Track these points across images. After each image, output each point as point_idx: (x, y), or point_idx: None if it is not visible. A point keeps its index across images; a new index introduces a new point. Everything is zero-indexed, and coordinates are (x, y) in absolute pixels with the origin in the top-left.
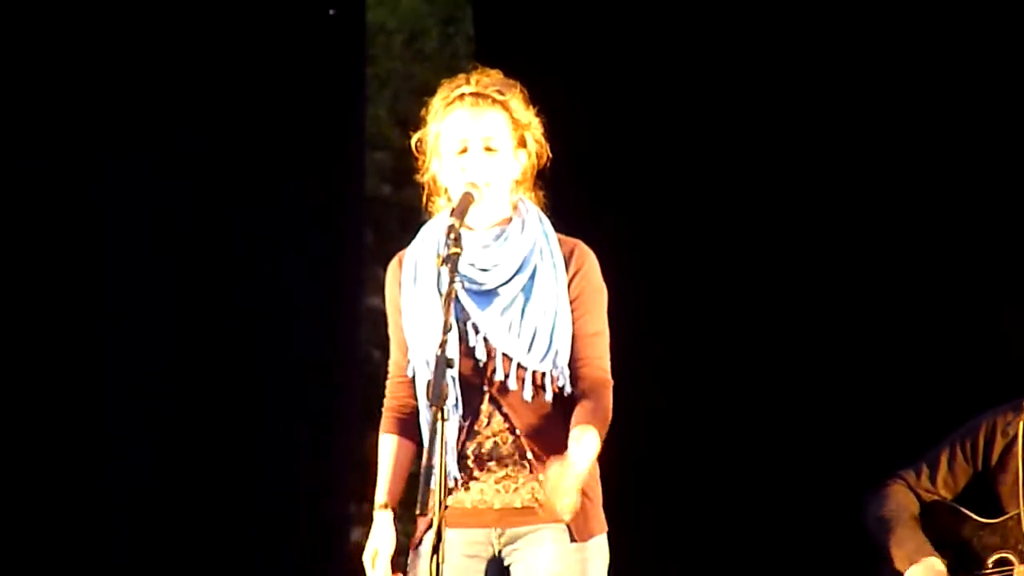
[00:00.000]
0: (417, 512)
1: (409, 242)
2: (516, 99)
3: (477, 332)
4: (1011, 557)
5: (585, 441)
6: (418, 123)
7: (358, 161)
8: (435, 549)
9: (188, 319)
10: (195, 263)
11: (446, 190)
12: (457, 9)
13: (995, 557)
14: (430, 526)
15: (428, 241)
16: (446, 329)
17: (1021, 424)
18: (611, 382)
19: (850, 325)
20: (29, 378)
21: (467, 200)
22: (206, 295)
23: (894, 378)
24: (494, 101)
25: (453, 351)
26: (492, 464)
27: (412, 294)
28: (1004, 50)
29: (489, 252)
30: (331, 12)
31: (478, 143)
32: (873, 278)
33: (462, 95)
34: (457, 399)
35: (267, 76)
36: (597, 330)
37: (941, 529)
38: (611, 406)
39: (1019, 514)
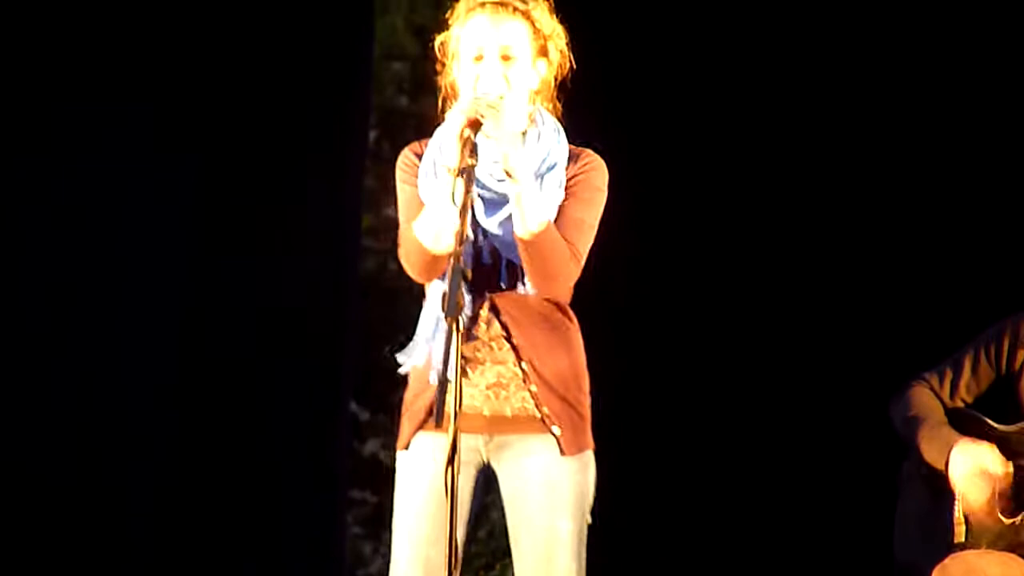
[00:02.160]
0: (436, 423)
1: None
2: (539, 8)
3: (485, 237)
4: None
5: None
6: (435, 32)
7: (366, 73)
8: (450, 460)
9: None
10: (214, 173)
11: (463, 96)
12: None
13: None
14: (419, 427)
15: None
16: (460, 240)
17: None
18: (578, 265)
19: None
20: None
21: (477, 123)
22: (225, 203)
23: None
24: (515, 9)
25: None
26: (485, 368)
27: (434, 194)
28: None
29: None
30: None
31: (495, 51)
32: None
33: (483, 2)
34: (470, 305)
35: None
36: (581, 217)
37: (967, 434)
38: (565, 262)
39: None
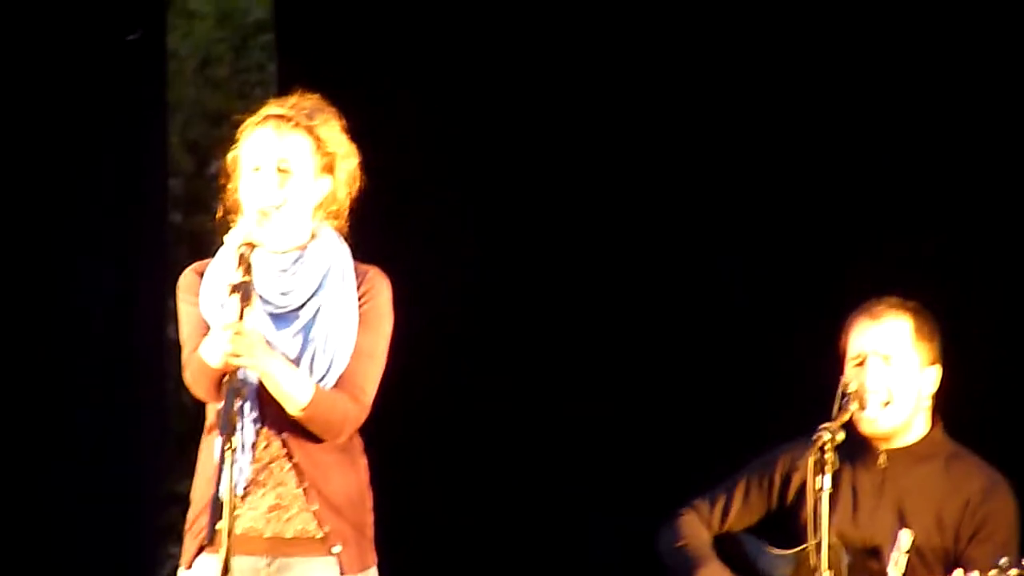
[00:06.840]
0: (207, 542)
1: None
2: (327, 125)
3: None
4: None
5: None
6: (209, 150)
7: (160, 189)
8: None
9: None
10: None
11: (243, 210)
12: (250, 37)
13: None
14: (200, 550)
15: (227, 263)
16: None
17: (811, 460)
18: (363, 407)
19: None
20: None
21: (248, 251)
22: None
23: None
24: (298, 124)
25: (249, 376)
26: (266, 490)
27: (216, 316)
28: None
29: (286, 276)
30: (131, 38)
31: (272, 163)
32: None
33: (267, 116)
34: (250, 426)
35: (65, 102)
36: (366, 351)
37: (738, 558)
38: (345, 417)
39: (814, 545)
